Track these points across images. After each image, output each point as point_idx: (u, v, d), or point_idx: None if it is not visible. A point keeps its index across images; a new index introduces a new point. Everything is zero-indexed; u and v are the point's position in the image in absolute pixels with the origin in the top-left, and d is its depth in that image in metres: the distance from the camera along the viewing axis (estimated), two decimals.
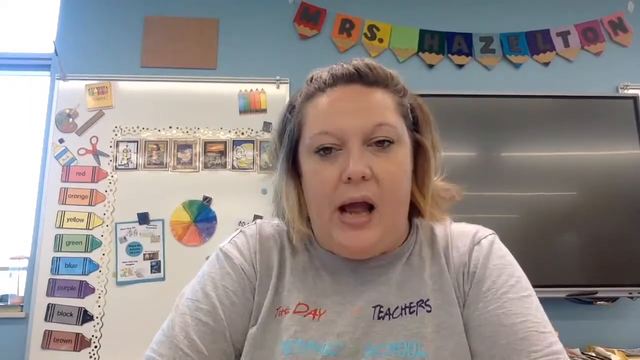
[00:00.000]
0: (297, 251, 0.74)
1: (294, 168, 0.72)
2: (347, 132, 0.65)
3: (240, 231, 0.77)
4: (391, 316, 0.66)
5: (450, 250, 0.71)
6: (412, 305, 0.67)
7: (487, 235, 0.72)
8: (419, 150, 0.71)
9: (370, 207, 0.66)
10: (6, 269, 2.40)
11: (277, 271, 0.71)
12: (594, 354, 2.18)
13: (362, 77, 0.68)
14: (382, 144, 0.65)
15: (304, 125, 0.69)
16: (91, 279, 2.31)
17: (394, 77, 0.70)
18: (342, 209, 0.66)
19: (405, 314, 0.66)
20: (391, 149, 0.66)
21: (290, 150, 0.71)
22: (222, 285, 0.70)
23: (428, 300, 0.67)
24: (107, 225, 2.36)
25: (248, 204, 2.38)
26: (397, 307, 0.67)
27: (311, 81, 0.71)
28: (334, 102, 0.67)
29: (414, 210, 0.73)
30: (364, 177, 0.63)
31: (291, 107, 0.73)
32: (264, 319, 0.68)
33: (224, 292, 0.69)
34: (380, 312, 0.67)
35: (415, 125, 0.71)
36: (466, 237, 0.72)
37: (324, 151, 0.66)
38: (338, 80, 0.68)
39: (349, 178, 0.63)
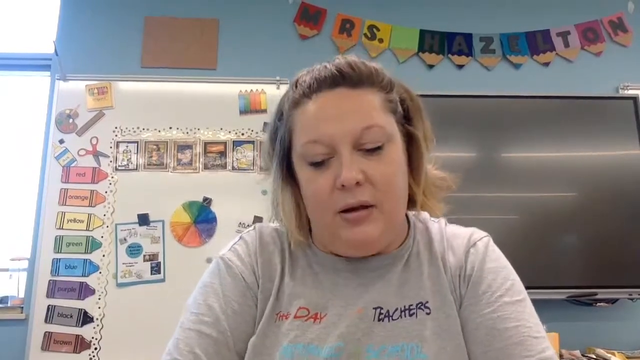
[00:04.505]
0: (297, 254, 0.74)
1: (289, 173, 0.71)
2: (335, 139, 0.64)
3: (241, 237, 0.77)
4: (391, 318, 0.66)
5: (446, 252, 0.72)
6: (411, 307, 0.67)
7: (482, 238, 0.73)
8: (411, 141, 0.71)
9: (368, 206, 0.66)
10: (6, 270, 2.40)
11: (280, 275, 0.72)
12: (594, 356, 2.17)
13: (345, 79, 0.67)
14: (373, 149, 0.65)
15: (293, 133, 0.69)
16: (91, 280, 2.31)
17: (378, 72, 0.69)
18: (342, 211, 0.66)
19: (405, 316, 0.67)
20: (383, 150, 0.65)
21: (284, 157, 0.71)
22: (223, 295, 0.70)
23: (427, 302, 0.68)
24: (107, 227, 2.36)
25: (248, 204, 2.38)
26: (396, 309, 0.67)
27: (296, 86, 0.70)
28: (320, 109, 0.66)
29: (410, 202, 0.72)
30: (358, 183, 0.63)
31: (280, 114, 0.72)
32: (264, 325, 0.68)
33: (227, 302, 0.69)
34: (380, 314, 0.67)
35: (405, 117, 0.71)
36: (461, 239, 0.73)
37: (316, 164, 0.66)
38: (322, 84, 0.67)
39: (342, 185, 0.63)
